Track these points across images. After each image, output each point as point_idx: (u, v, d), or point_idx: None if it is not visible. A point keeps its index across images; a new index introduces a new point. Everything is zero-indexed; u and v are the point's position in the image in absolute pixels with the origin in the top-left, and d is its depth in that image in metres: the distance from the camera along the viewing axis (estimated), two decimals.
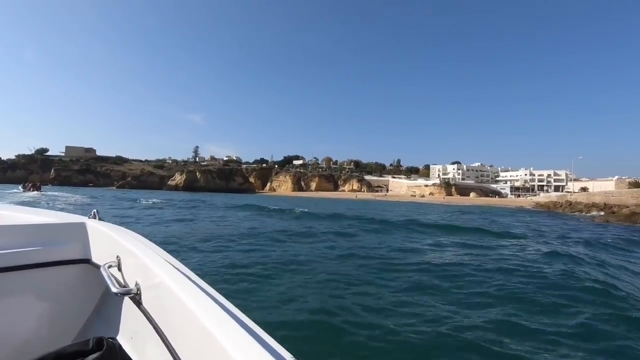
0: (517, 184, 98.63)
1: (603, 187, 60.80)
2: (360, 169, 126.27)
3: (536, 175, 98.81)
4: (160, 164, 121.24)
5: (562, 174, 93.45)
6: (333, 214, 19.93)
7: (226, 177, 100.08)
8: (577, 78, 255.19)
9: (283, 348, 0.72)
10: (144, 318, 1.05)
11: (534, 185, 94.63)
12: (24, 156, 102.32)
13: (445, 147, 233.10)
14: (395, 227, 14.24)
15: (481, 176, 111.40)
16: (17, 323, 1.40)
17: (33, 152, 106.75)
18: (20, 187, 44.05)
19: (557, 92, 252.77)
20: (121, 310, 1.32)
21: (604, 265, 7.48)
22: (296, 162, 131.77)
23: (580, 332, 3.73)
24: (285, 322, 3.70)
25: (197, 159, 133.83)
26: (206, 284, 1.04)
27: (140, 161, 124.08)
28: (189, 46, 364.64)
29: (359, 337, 3.40)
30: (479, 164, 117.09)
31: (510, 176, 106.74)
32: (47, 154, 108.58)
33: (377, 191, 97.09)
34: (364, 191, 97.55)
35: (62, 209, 14.48)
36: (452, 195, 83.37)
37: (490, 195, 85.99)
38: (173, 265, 1.11)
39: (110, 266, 1.27)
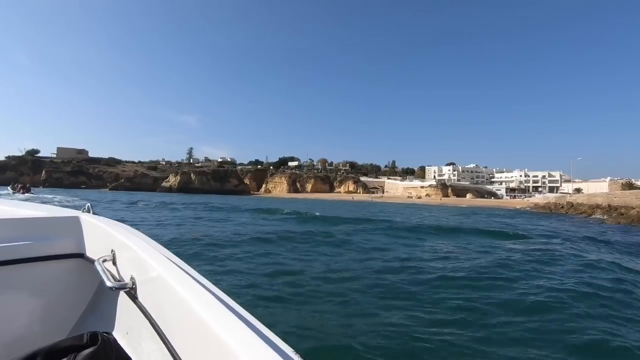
0: (512, 185, 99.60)
1: (597, 188, 61.82)
2: (355, 171, 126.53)
3: (531, 176, 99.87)
4: (153, 166, 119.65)
5: (557, 175, 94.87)
6: (353, 218, 19.47)
7: (221, 179, 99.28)
8: (574, 80, 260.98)
9: (284, 342, 0.69)
10: (140, 313, 1.02)
11: (528, 187, 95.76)
12: (14, 157, 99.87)
13: (439, 148, 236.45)
14: (425, 233, 13.74)
15: (476, 177, 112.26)
16: (9, 318, 1.36)
17: (24, 153, 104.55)
18: (9, 188, 43.05)
19: (550, 94, 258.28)
20: (116, 305, 1.27)
21: None
22: (291, 164, 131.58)
23: None
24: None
25: (191, 161, 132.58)
26: (205, 279, 1.00)
27: (134, 163, 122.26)
28: (181, 48, 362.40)
29: None
30: (474, 165, 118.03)
31: (505, 177, 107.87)
32: (38, 155, 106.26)
33: (373, 192, 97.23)
34: (359, 192, 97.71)
35: None
36: (448, 196, 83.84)
37: (486, 196, 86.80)
38: (169, 259, 1.08)
39: (104, 260, 1.24)
